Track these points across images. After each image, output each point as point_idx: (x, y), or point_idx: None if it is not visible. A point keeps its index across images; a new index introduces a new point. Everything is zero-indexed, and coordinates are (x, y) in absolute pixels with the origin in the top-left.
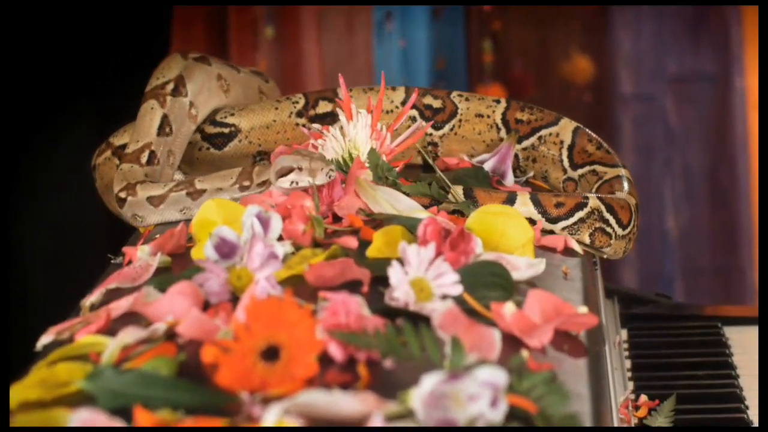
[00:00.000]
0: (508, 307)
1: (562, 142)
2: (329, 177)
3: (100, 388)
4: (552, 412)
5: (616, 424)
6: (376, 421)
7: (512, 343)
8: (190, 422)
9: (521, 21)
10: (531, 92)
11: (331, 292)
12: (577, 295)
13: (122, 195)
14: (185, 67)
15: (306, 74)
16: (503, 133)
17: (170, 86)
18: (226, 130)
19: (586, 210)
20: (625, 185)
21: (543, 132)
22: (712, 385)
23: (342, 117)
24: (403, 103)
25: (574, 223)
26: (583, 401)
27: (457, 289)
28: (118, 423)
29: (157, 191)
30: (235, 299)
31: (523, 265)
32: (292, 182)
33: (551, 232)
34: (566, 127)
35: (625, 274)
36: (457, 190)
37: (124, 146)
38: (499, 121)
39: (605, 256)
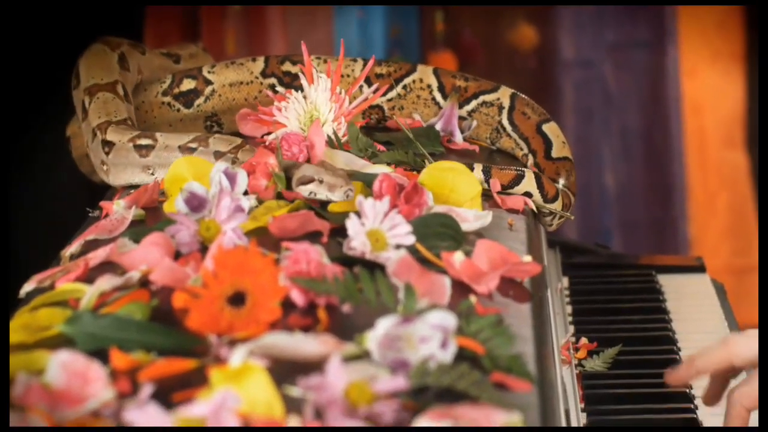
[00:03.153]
0: (458, 256)
1: (429, 86)
2: (347, 196)
3: (79, 332)
4: (498, 353)
5: (557, 365)
6: (335, 361)
7: (461, 289)
8: (162, 363)
9: None
10: (479, 58)
11: (293, 242)
12: (521, 245)
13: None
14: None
15: (271, 42)
16: (365, 88)
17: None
18: None
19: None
20: (534, 105)
21: (406, 80)
22: (646, 328)
23: (304, 81)
24: (262, 73)
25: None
26: (527, 343)
27: (410, 240)
28: (95, 364)
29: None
30: (204, 249)
31: (471, 217)
32: (310, 192)
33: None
34: (425, 71)
35: (566, 226)
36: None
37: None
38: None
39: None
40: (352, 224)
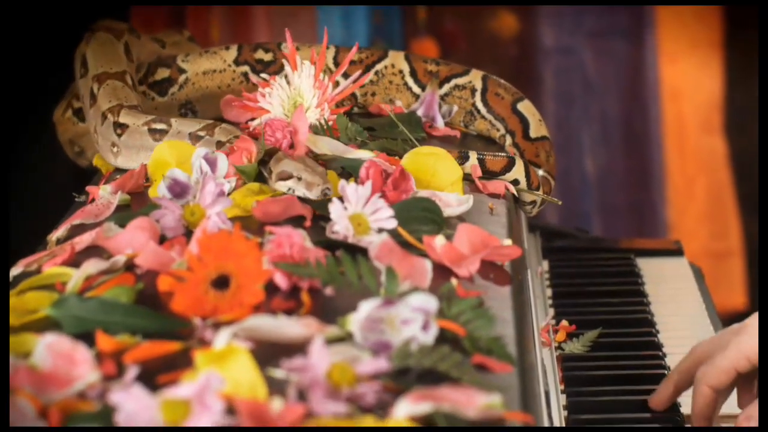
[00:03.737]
0: (439, 240)
1: (401, 71)
2: (324, 195)
3: (65, 315)
4: (479, 334)
5: (537, 348)
6: (318, 343)
7: (442, 272)
8: (147, 345)
9: None
10: (461, 46)
11: (277, 226)
12: (502, 229)
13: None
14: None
15: (255, 30)
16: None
17: None
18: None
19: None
20: (507, 85)
21: (378, 66)
22: (625, 311)
23: (287, 68)
24: (235, 61)
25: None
26: (507, 325)
27: (392, 224)
28: (81, 346)
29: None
30: (188, 233)
31: (454, 202)
32: (289, 188)
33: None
34: (396, 57)
35: (546, 210)
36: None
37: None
38: (331, 65)
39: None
40: (334, 208)
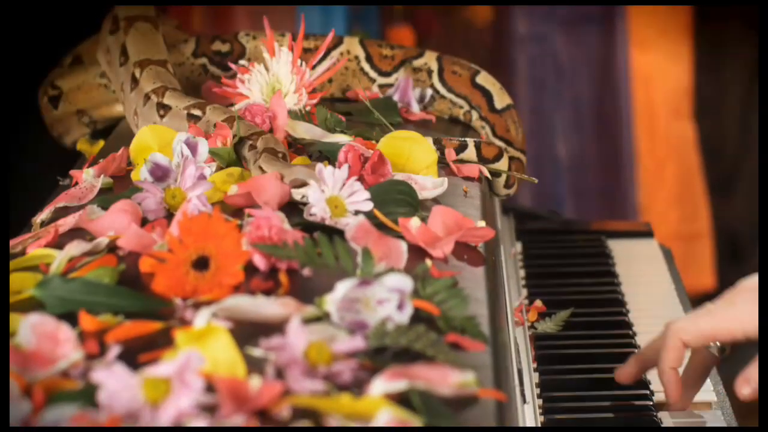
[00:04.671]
0: (414, 222)
1: (357, 57)
2: None
3: (49, 295)
4: (453, 314)
5: (510, 327)
6: (295, 323)
7: (418, 253)
8: (129, 325)
9: None
10: (436, 33)
11: (255, 209)
12: (476, 211)
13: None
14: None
15: (235, 18)
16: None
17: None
18: (56, 92)
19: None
20: (461, 62)
21: (333, 53)
22: (596, 291)
23: (266, 54)
24: (193, 54)
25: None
26: (481, 305)
27: (368, 206)
28: (64, 326)
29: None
30: (169, 216)
31: (429, 185)
32: (303, 196)
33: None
34: (351, 42)
35: (520, 193)
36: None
37: (56, 96)
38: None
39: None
40: (312, 191)
